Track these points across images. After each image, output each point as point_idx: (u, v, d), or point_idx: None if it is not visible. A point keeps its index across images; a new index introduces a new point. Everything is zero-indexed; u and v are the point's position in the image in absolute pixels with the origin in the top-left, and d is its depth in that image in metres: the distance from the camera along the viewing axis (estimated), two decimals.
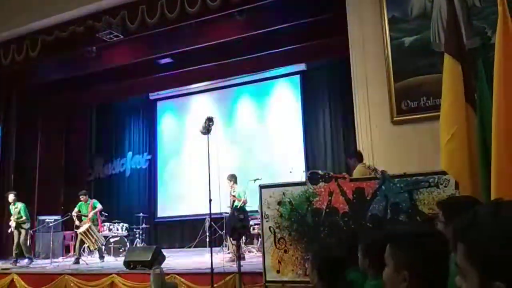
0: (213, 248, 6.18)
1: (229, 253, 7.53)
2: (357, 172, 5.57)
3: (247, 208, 7.54)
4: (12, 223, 8.56)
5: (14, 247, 8.49)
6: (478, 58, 3.11)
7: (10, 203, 8.74)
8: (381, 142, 5.64)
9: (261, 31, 8.59)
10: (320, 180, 4.61)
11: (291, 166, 9.78)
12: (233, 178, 7.97)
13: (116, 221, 10.09)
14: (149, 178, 12.76)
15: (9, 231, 8.70)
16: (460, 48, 3.17)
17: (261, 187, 4.94)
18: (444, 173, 3.88)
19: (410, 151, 5.36)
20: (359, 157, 5.57)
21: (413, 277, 1.44)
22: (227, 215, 7.75)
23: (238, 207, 7.55)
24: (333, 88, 10.55)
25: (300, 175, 8.88)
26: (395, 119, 5.65)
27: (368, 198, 4.37)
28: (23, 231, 8.51)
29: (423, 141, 5.23)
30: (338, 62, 9.74)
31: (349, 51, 6.33)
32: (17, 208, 8.62)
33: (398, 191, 4.26)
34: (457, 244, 1.05)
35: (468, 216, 1.04)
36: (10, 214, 8.97)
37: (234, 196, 7.79)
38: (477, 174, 2.82)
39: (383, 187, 4.31)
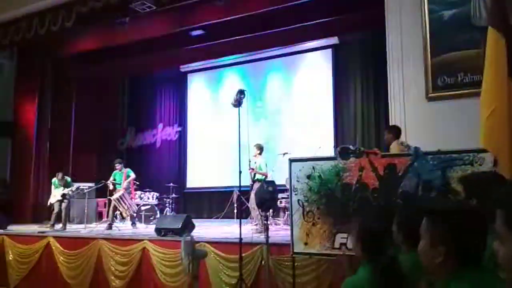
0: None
1: (256, 224, 7.64)
2: (393, 150, 5.47)
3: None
4: (55, 198, 8.89)
5: (54, 215, 8.81)
6: None
7: (56, 179, 9.05)
8: (415, 119, 5.54)
9: (294, 3, 8.45)
10: (351, 155, 4.57)
11: (320, 141, 9.75)
12: (260, 149, 8.00)
13: (147, 190, 10.35)
14: (179, 150, 12.98)
15: (49, 203, 9.01)
16: (505, 22, 3.04)
17: (291, 160, 4.93)
18: (479, 151, 3.79)
19: (445, 128, 5.24)
20: (396, 133, 5.44)
21: (449, 252, 1.44)
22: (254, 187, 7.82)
23: (264, 179, 7.63)
24: (366, 62, 10.35)
25: (329, 151, 8.86)
26: (430, 95, 5.51)
27: (399, 174, 4.31)
28: (65, 202, 8.87)
29: (459, 119, 5.11)
30: (372, 35, 9.54)
31: (384, 24, 6.17)
32: (65, 186, 8.96)
33: (431, 169, 4.18)
34: (497, 211, 1.09)
35: (508, 186, 1.10)
36: (46, 182, 9.34)
37: (253, 169, 7.81)
38: None
39: (415, 164, 4.24)
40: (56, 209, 8.82)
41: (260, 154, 7.98)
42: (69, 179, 9.24)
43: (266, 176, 7.82)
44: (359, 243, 2.25)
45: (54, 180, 9.08)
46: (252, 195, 7.71)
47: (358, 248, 2.26)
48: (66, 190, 8.87)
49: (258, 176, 7.79)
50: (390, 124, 5.72)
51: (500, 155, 3.00)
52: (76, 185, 9.43)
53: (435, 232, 1.49)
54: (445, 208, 1.56)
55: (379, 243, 2.17)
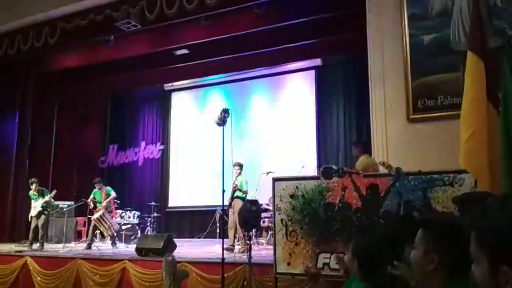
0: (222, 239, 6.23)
1: (238, 244, 7.58)
2: (360, 163, 5.58)
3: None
4: (35, 210, 8.64)
5: (32, 231, 8.59)
6: (503, 56, 3.06)
7: (32, 190, 8.80)
8: (396, 140, 5.62)
9: (278, 24, 8.60)
10: (334, 175, 4.61)
11: (303, 160, 9.81)
12: (240, 168, 7.98)
13: (128, 208, 10.22)
14: (161, 168, 12.88)
15: (29, 217, 8.74)
16: (484, 46, 3.15)
17: (275, 179, 4.96)
18: (459, 172, 3.87)
19: (426, 149, 5.33)
20: (363, 148, 5.64)
21: (442, 260, 1.51)
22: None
23: (244, 197, 7.62)
24: (348, 84, 10.54)
25: (312, 170, 8.91)
26: (411, 117, 5.61)
27: (381, 194, 4.36)
28: (43, 217, 8.62)
29: (439, 140, 5.21)
30: (354, 57, 9.72)
31: (366, 47, 6.29)
32: (41, 195, 8.72)
33: (412, 189, 4.25)
34: (471, 233, 1.15)
35: (480, 207, 1.15)
36: (25, 200, 9.08)
37: (236, 186, 7.78)
38: (497, 173, 2.81)
39: (397, 184, 4.31)
40: (33, 225, 8.58)
41: (240, 172, 7.96)
42: (45, 189, 8.98)
43: (246, 194, 7.81)
44: (355, 260, 2.25)
45: (31, 192, 8.84)
46: (232, 214, 7.69)
47: (354, 264, 2.27)
48: (47, 197, 8.62)
49: (238, 194, 7.75)
50: (372, 144, 5.81)
51: (479, 177, 3.07)
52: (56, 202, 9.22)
53: (429, 241, 1.56)
54: (440, 219, 1.67)
55: (375, 260, 2.17)
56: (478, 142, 2.96)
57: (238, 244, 7.58)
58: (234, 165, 7.87)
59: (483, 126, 2.97)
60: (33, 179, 8.91)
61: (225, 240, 7.87)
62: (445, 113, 5.34)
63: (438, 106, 5.50)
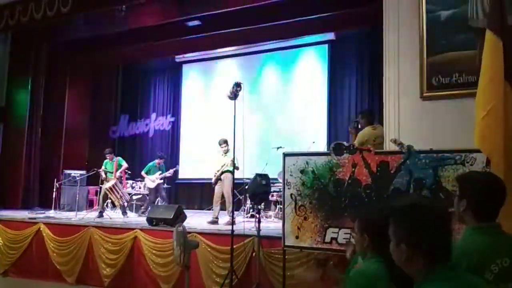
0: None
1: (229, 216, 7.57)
2: (362, 135, 5.55)
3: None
4: (156, 182, 9.78)
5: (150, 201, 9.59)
6: None
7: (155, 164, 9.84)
8: (408, 117, 5.56)
9: None
10: (345, 152, 4.62)
11: (313, 136, 9.80)
12: (227, 145, 7.91)
13: (139, 179, 10.34)
14: (171, 140, 12.95)
15: (148, 188, 9.86)
16: (503, 24, 3.08)
17: (285, 154, 4.97)
18: (471, 151, 3.85)
19: (438, 127, 5.29)
20: (369, 118, 5.60)
21: (410, 249, 1.46)
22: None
23: (233, 171, 7.61)
24: (361, 59, 10.40)
25: (322, 146, 8.92)
26: (425, 94, 5.53)
27: (392, 172, 4.36)
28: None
29: (452, 119, 5.15)
30: (368, 32, 9.59)
31: (381, 22, 6.17)
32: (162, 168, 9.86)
33: (423, 167, 4.23)
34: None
35: None
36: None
37: (225, 165, 7.74)
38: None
39: (408, 161, 4.30)
40: (152, 197, 9.50)
41: (228, 149, 7.88)
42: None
43: (237, 169, 7.81)
44: (368, 236, 2.24)
45: (153, 163, 9.70)
46: (218, 187, 7.81)
47: (364, 242, 2.26)
48: (170, 172, 9.82)
49: (228, 168, 7.70)
50: (384, 121, 5.77)
51: (493, 156, 3.05)
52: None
53: (395, 230, 1.51)
54: (403, 206, 1.54)
55: (387, 233, 2.17)
56: (494, 122, 2.93)
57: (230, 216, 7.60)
58: (220, 143, 7.81)
59: (499, 105, 2.93)
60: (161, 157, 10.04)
61: (222, 212, 8.02)
62: (459, 91, 5.26)
63: (453, 84, 5.40)
